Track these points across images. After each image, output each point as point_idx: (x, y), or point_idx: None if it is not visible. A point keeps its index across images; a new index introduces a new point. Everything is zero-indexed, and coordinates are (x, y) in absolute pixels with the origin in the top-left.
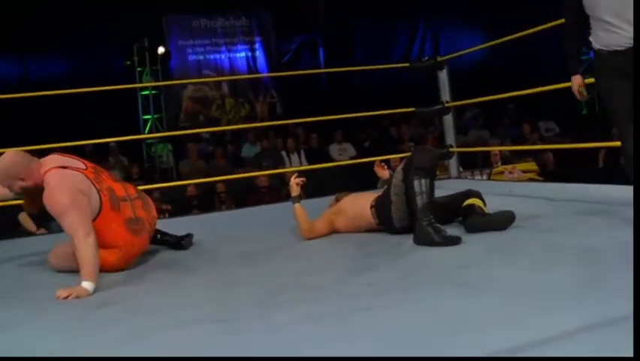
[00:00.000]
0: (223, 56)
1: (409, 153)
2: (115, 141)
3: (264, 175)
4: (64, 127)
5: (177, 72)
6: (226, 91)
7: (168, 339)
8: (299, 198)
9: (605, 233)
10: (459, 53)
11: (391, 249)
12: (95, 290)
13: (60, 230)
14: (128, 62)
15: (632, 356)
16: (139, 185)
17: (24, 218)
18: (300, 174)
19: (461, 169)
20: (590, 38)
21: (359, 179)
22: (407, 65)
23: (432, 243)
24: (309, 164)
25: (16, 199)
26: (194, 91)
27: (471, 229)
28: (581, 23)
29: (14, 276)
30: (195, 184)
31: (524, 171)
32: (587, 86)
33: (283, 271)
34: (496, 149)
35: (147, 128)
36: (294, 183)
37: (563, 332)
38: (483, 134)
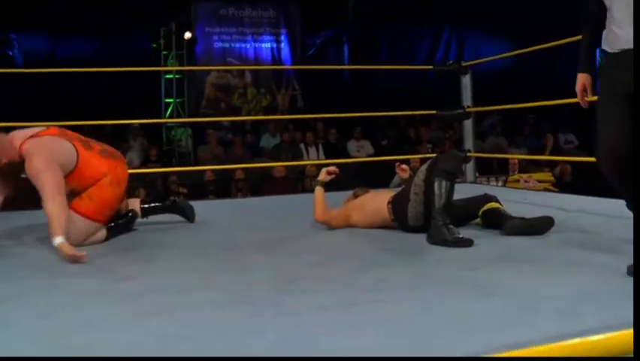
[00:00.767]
0: (248, 45)
1: (429, 155)
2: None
3: (281, 166)
4: (87, 105)
5: (202, 58)
6: (249, 80)
7: (185, 317)
8: (322, 183)
9: (617, 245)
10: (484, 59)
11: (405, 246)
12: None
13: None
14: (155, 45)
15: (632, 356)
16: (156, 167)
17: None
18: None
19: (477, 174)
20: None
21: (375, 177)
22: (430, 67)
23: (445, 243)
24: (327, 159)
25: None
26: (217, 78)
27: (510, 232)
28: (601, 18)
29: (35, 246)
30: (213, 170)
31: (540, 181)
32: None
33: (297, 260)
34: (514, 157)
35: (168, 112)
36: (326, 170)
37: (571, 335)
38: (500, 141)
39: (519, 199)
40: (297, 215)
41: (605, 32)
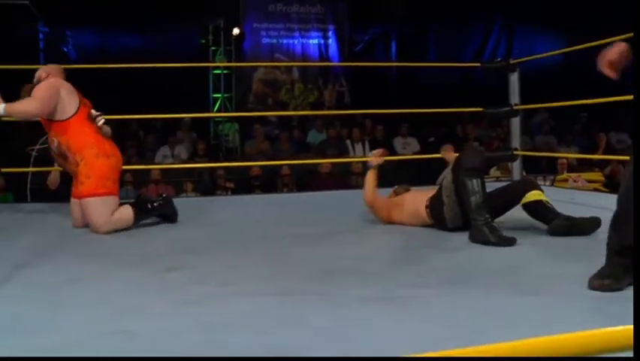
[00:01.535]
0: (296, 41)
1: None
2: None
3: (327, 162)
4: (136, 99)
5: (250, 54)
6: (296, 76)
7: (230, 307)
8: (375, 166)
9: None
10: (533, 57)
11: (445, 244)
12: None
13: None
14: (203, 41)
15: (632, 356)
16: (204, 162)
17: (54, 174)
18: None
19: (524, 173)
20: None
21: (421, 174)
22: (478, 65)
23: (487, 242)
24: None
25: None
26: (264, 74)
27: (554, 234)
28: None
29: (81, 235)
30: (260, 165)
31: (589, 181)
32: None
33: (339, 254)
34: (562, 155)
35: (216, 107)
36: (374, 153)
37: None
38: (550, 139)
39: (566, 199)
40: (342, 210)
41: None
